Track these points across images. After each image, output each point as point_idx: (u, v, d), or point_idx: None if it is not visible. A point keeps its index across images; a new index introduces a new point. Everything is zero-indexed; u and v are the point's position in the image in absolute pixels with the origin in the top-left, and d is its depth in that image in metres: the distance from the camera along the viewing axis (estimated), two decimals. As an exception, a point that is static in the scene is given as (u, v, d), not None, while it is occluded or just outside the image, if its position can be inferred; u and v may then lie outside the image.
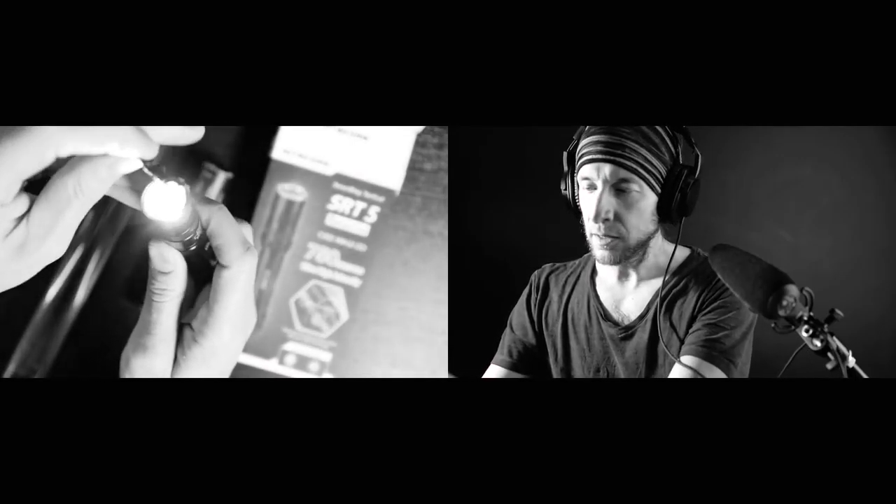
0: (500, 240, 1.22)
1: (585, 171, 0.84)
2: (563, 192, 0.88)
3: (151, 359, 0.56)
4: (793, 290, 0.64)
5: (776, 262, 0.67)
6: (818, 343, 0.64)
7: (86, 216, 0.83)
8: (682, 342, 0.84)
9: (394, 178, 0.86)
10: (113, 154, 0.49)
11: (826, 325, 0.64)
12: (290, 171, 0.85)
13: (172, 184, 0.51)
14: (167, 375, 0.58)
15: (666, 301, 0.86)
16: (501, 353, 0.95)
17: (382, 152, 0.86)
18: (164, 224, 0.52)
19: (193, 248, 0.56)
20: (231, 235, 0.55)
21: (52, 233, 0.51)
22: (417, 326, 0.92)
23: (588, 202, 0.84)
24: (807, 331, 0.64)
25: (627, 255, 0.85)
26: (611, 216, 0.83)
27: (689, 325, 0.84)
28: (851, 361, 0.63)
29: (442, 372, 0.91)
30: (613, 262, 0.85)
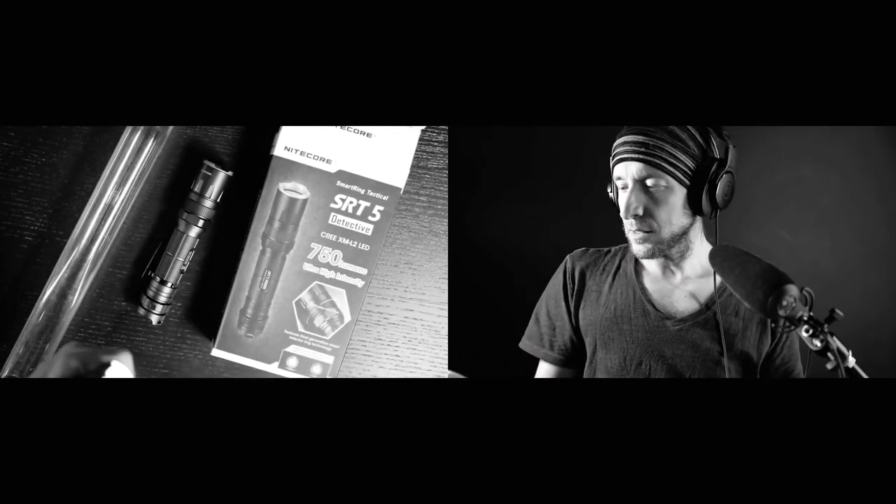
0: (500, 240, 1.22)
1: (617, 171, 0.87)
2: (609, 193, 0.91)
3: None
4: (793, 289, 0.64)
5: (776, 262, 0.67)
6: (818, 343, 0.64)
7: (85, 208, 0.83)
8: (756, 349, 0.87)
9: (398, 176, 0.86)
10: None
11: (826, 325, 0.64)
12: (292, 169, 0.85)
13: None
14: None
15: (721, 299, 0.87)
16: (549, 349, 0.94)
17: (386, 150, 0.85)
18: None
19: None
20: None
21: None
22: (422, 328, 0.91)
23: (621, 200, 0.87)
24: (807, 331, 0.64)
25: (662, 248, 0.87)
26: (640, 212, 0.86)
27: (761, 336, 0.88)
28: (851, 361, 0.64)
29: (445, 373, 0.91)
30: (649, 256, 0.88)
